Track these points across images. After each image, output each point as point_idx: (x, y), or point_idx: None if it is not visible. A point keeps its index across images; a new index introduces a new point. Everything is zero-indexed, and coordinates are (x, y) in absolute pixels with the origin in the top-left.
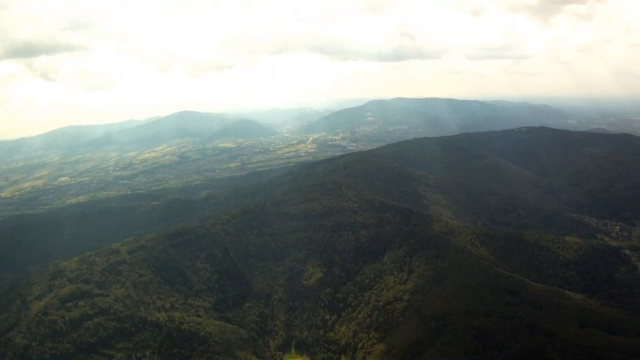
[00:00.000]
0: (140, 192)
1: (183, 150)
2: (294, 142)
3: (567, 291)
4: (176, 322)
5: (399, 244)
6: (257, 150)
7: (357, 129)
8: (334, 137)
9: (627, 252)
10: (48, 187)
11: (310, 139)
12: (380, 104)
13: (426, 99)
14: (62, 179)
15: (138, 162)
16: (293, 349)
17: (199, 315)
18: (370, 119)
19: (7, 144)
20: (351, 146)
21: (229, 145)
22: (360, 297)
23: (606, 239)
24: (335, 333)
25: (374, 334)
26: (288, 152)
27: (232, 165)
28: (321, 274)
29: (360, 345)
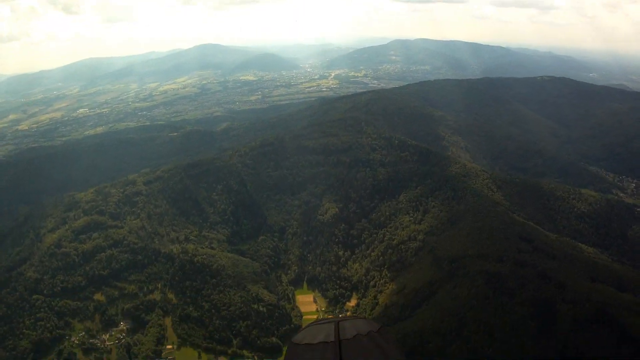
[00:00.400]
0: (160, 123)
1: (204, 82)
2: (316, 77)
3: (579, 243)
4: (189, 254)
5: (415, 184)
6: (278, 84)
7: (379, 67)
8: (356, 74)
9: None
10: (66, 118)
11: (332, 74)
12: (404, 44)
13: (450, 41)
14: (81, 110)
15: (158, 93)
16: (305, 284)
17: (212, 248)
18: (393, 57)
19: (27, 77)
20: (373, 83)
21: (250, 78)
22: (375, 235)
23: (621, 194)
24: (347, 270)
25: (386, 272)
26: (309, 87)
27: (252, 98)
28: (337, 210)
29: (372, 283)
